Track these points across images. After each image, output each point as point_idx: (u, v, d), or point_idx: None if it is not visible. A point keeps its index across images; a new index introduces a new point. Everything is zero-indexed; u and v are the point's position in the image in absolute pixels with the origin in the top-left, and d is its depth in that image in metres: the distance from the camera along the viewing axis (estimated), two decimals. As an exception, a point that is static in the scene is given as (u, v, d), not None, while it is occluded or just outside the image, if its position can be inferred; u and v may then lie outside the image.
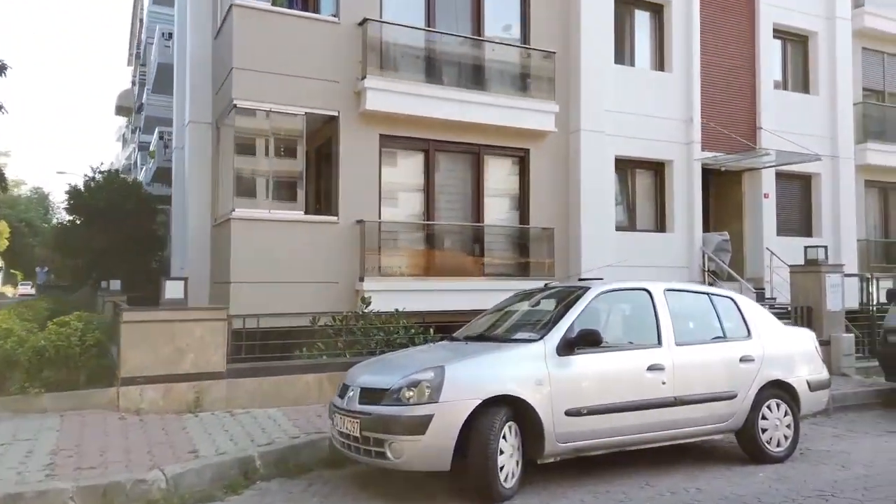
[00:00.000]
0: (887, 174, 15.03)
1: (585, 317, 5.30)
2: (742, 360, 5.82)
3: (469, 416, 4.59)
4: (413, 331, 9.00)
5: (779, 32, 13.99)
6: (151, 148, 21.43)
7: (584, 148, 11.99)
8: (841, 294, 10.26)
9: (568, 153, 12.16)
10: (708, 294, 6.15)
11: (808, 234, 14.14)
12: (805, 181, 14.32)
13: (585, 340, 5.06)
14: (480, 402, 4.62)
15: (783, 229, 13.77)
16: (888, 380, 8.66)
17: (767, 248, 13.30)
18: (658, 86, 12.74)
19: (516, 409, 4.80)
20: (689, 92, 12.90)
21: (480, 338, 5.68)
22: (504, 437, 4.69)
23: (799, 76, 14.47)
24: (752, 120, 13.61)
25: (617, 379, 5.23)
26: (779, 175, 13.77)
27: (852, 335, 10.16)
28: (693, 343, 5.72)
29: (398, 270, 10.69)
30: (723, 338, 5.93)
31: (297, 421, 6.42)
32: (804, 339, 6.39)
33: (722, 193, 14.22)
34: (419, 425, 4.51)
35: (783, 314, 11.10)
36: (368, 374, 5.21)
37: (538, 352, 5.00)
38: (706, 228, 13.75)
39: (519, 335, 5.46)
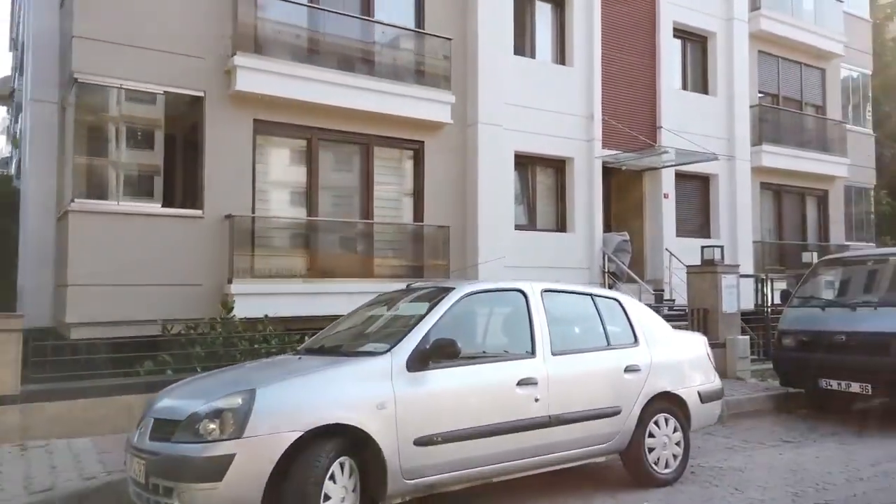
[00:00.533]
0: (781, 176, 15.11)
1: (445, 323, 4.37)
2: (627, 370, 5.07)
3: (285, 453, 3.56)
4: (287, 339, 7.95)
5: (679, 31, 13.74)
6: (17, 136, 19.16)
7: (481, 142, 11.20)
8: (736, 295, 9.90)
9: (466, 147, 11.34)
10: (591, 295, 5.36)
11: (707, 235, 13.95)
12: (703, 182, 14.14)
13: (442, 352, 4.13)
14: (301, 434, 3.61)
15: (682, 230, 13.51)
16: (783, 384, 8.26)
17: (667, 249, 12.98)
18: (559, 80, 12.15)
19: (351, 441, 3.81)
20: (590, 88, 12.37)
21: (321, 350, 4.67)
22: (332, 478, 3.69)
23: (698, 76, 14.29)
24: (653, 119, 13.27)
25: (480, 397, 4.33)
26: (678, 175, 13.50)
27: (747, 337, 9.81)
28: (572, 351, 4.91)
29: (275, 271, 9.50)
30: (607, 345, 5.17)
31: (106, 455, 5.19)
32: (695, 345, 5.73)
33: (623, 193, 13.83)
34: (216, 469, 3.44)
35: (682, 316, 10.72)
36: (170, 398, 4.09)
37: (383, 367, 4.03)
38: (607, 228, 13.30)
39: (365, 347, 4.46)
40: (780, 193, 15.38)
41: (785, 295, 8.65)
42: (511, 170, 11.66)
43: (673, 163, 12.87)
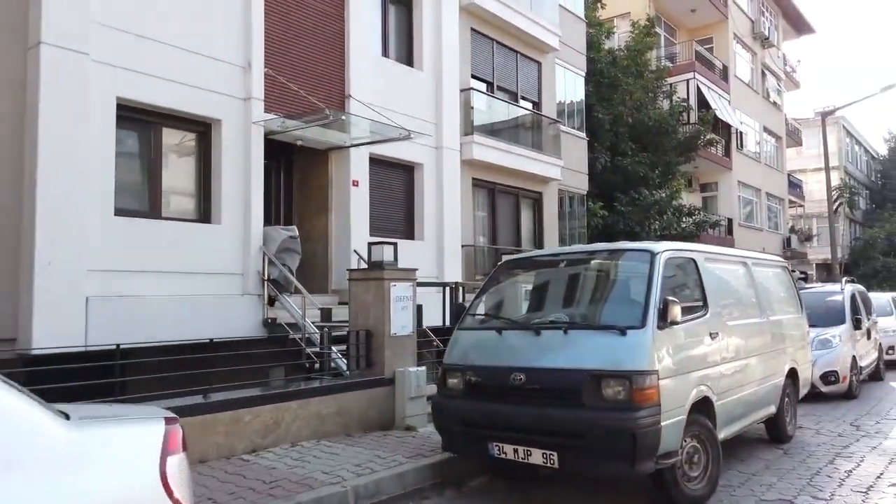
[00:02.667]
0: (494, 174, 12.90)
1: None
2: None
3: None
4: None
5: (378, -15, 10.76)
6: None
7: (47, 75, 6.81)
8: (411, 311, 6.86)
9: (25, 81, 6.89)
10: None
11: (411, 236, 11.10)
12: (407, 172, 11.26)
13: None
14: None
15: (379, 229, 10.40)
16: (446, 448, 5.20)
17: (355, 251, 9.72)
18: (196, 6, 8.25)
19: None
20: (247, 25, 8.66)
21: None
22: None
23: (403, 46, 11.44)
24: (340, 85, 10.00)
25: None
26: (374, 161, 10.42)
27: (423, 369, 6.76)
28: None
29: None
30: None
31: None
32: (130, 447, 2.16)
33: (307, 179, 10.39)
34: None
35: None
36: None
37: None
38: (286, 223, 9.78)
39: None
40: (493, 193, 13.18)
41: (458, 310, 5.72)
42: (112, 125, 7.42)
43: (363, 139, 9.72)
